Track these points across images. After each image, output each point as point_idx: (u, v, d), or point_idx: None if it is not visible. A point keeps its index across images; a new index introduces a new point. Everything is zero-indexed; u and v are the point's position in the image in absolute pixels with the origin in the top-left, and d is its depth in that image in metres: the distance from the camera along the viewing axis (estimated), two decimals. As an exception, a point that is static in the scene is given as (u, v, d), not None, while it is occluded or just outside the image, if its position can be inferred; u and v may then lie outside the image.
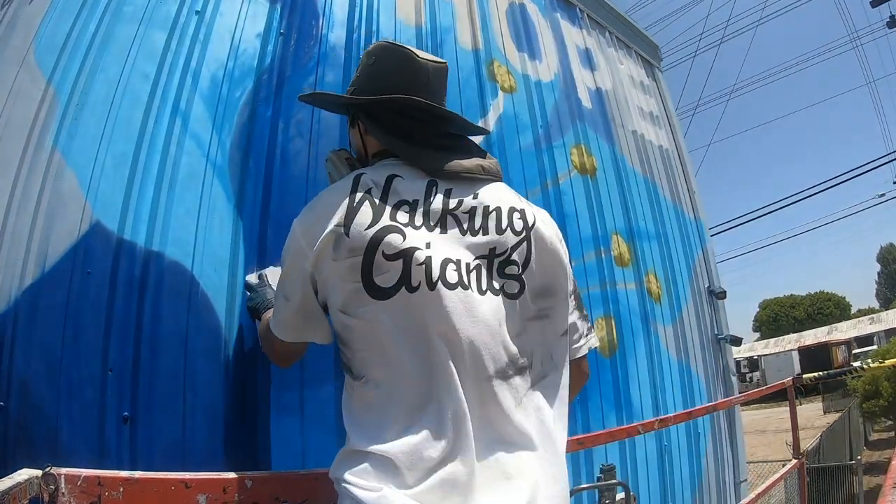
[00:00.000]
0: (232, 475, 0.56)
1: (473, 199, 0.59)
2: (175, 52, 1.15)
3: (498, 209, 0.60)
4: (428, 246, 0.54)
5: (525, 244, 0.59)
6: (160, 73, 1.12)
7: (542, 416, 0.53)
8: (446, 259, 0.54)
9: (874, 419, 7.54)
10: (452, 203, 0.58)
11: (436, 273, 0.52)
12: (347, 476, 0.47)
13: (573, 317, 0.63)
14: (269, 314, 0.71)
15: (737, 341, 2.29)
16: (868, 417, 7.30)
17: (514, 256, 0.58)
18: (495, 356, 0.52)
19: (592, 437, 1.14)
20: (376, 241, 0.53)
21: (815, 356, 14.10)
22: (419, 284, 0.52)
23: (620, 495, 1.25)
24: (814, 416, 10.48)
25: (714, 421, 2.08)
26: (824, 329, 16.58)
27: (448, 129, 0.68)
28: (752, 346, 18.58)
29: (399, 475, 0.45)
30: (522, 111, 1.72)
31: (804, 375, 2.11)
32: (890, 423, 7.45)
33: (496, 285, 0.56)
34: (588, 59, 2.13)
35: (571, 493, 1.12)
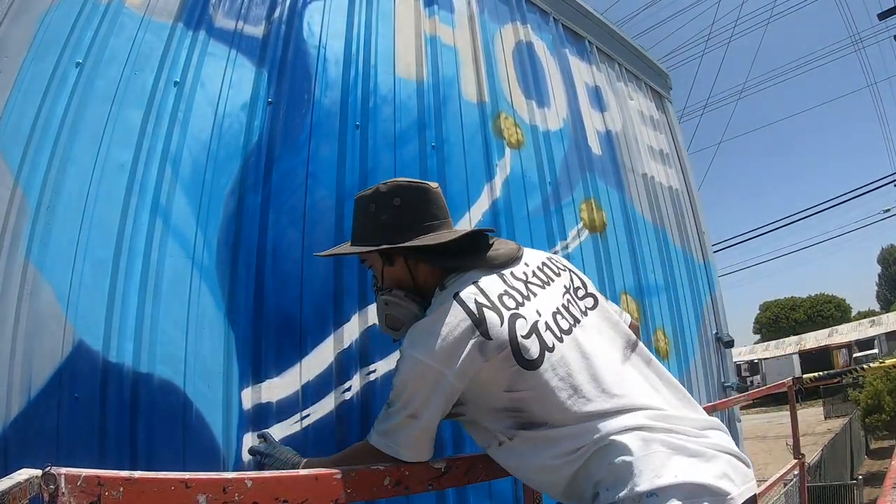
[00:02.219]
0: (232, 475, 0.58)
1: (527, 266, 0.82)
2: (152, 134, 1.12)
3: (542, 264, 0.85)
4: (539, 313, 0.75)
5: (569, 273, 0.85)
6: (137, 162, 1.08)
7: (652, 367, 0.77)
8: (553, 313, 0.76)
9: (876, 433, 7.91)
10: (521, 277, 0.80)
11: (556, 329, 0.74)
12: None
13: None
14: (314, 463, 0.83)
15: (729, 345, 2.38)
16: (870, 432, 7.66)
17: (577, 283, 0.84)
18: (619, 348, 0.77)
19: None
20: (513, 331, 0.72)
21: (816, 360, 14.68)
22: (553, 344, 0.73)
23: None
24: (814, 421, 10.95)
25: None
26: (825, 331, 17.21)
27: (467, 237, 0.85)
28: (753, 349, 19.21)
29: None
30: (530, 168, 1.72)
31: (804, 376, 2.19)
32: (890, 433, 7.85)
33: (581, 307, 0.80)
34: (598, 99, 2.13)
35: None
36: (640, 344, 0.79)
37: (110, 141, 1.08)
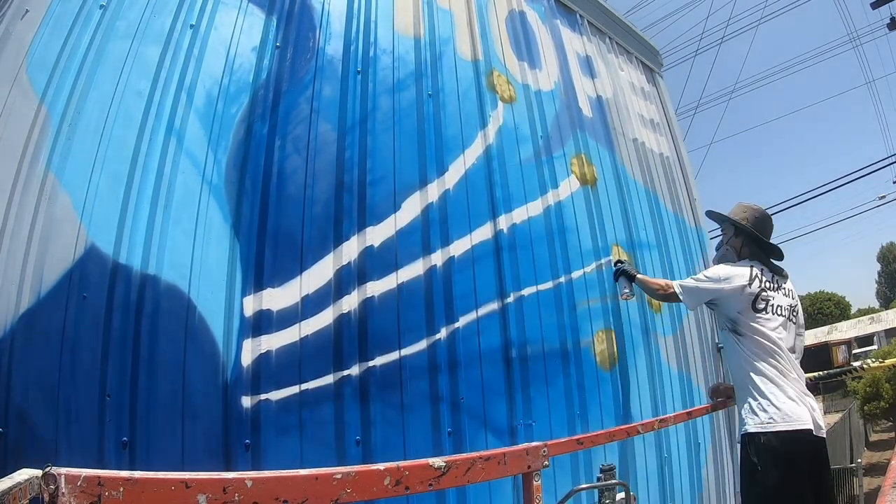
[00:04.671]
0: (232, 475, 0.57)
1: (784, 282, 1.48)
2: (169, 68, 1.16)
3: (792, 290, 1.49)
4: (774, 299, 1.42)
5: (797, 301, 1.51)
6: (154, 91, 1.12)
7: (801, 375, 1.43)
8: (779, 306, 1.42)
9: (875, 421, 7.64)
10: (779, 282, 1.47)
11: (777, 310, 1.42)
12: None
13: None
14: (643, 277, 1.71)
15: None
16: (869, 419, 7.40)
17: (796, 310, 1.48)
18: (792, 347, 1.43)
19: (592, 437, 1.15)
20: (758, 292, 1.41)
21: (815, 356, 14.25)
22: (770, 311, 1.41)
23: (620, 495, 1.27)
24: (814, 416, 10.53)
25: (714, 429, 2.11)
26: (824, 329, 16.74)
27: (769, 251, 1.52)
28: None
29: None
30: (522, 122, 1.73)
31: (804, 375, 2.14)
32: (890, 423, 7.55)
33: (792, 320, 1.45)
34: (588, 67, 2.14)
35: (570, 493, 1.13)
36: (795, 356, 1.43)
37: (130, 72, 1.12)
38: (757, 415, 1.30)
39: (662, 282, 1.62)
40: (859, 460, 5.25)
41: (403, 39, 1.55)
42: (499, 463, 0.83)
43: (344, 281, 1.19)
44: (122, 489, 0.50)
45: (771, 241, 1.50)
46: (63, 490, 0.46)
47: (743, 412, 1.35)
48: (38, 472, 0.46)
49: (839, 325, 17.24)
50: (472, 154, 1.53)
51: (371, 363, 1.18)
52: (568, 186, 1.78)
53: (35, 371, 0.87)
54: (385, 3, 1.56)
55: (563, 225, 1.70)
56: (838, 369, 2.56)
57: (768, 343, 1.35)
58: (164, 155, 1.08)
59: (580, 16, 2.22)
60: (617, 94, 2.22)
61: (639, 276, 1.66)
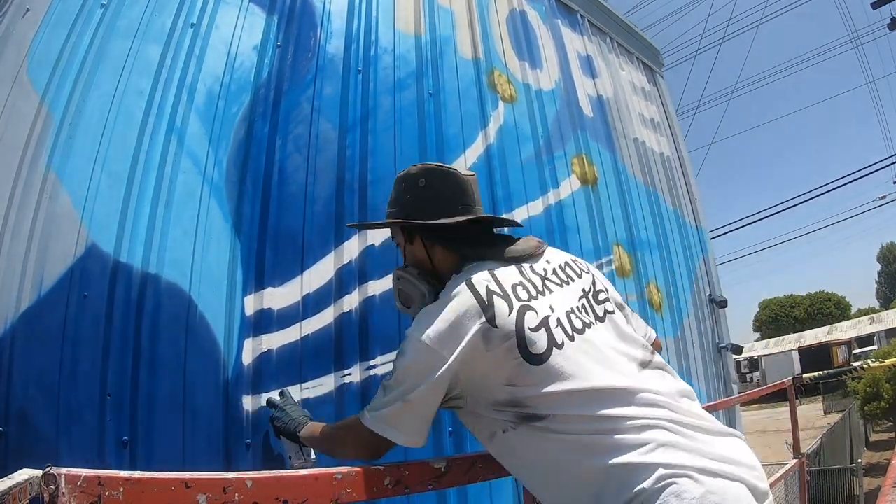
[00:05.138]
0: (232, 475, 0.57)
1: (548, 264, 0.77)
2: (170, 66, 1.15)
3: (565, 263, 0.78)
4: (552, 308, 0.69)
5: (591, 276, 0.79)
6: (155, 89, 1.12)
7: (668, 378, 0.71)
8: (567, 312, 0.70)
9: (875, 421, 7.62)
10: (540, 273, 0.74)
11: (568, 327, 0.68)
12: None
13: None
14: (313, 427, 0.86)
15: (737, 350, 2.31)
16: (869, 420, 7.38)
17: (598, 287, 0.78)
18: (634, 356, 0.70)
19: None
20: (521, 322, 0.66)
21: (815, 356, 14.21)
22: (563, 341, 0.67)
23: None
24: (814, 416, 10.57)
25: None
26: (824, 329, 16.69)
27: (492, 227, 0.84)
28: (752, 347, 18.68)
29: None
30: (523, 121, 1.73)
31: (804, 375, 2.13)
32: (890, 424, 7.54)
33: (599, 311, 0.74)
34: (589, 66, 2.13)
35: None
36: (657, 356, 0.73)
37: (131, 71, 1.11)
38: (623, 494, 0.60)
39: (342, 428, 0.81)
40: (859, 460, 5.24)
41: (404, 38, 1.55)
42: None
43: (345, 280, 1.18)
44: (122, 489, 0.49)
45: (479, 212, 0.80)
46: (63, 490, 0.46)
47: None
48: (38, 472, 0.45)
49: (839, 325, 17.21)
50: (473, 153, 1.53)
51: (372, 362, 1.17)
52: (569, 186, 1.78)
53: (35, 370, 0.87)
54: (386, 2, 1.56)
55: (564, 224, 1.70)
56: (838, 369, 2.55)
57: (601, 411, 0.63)
58: (164, 154, 1.07)
59: (581, 15, 2.21)
60: (618, 94, 2.22)
61: (302, 432, 0.87)
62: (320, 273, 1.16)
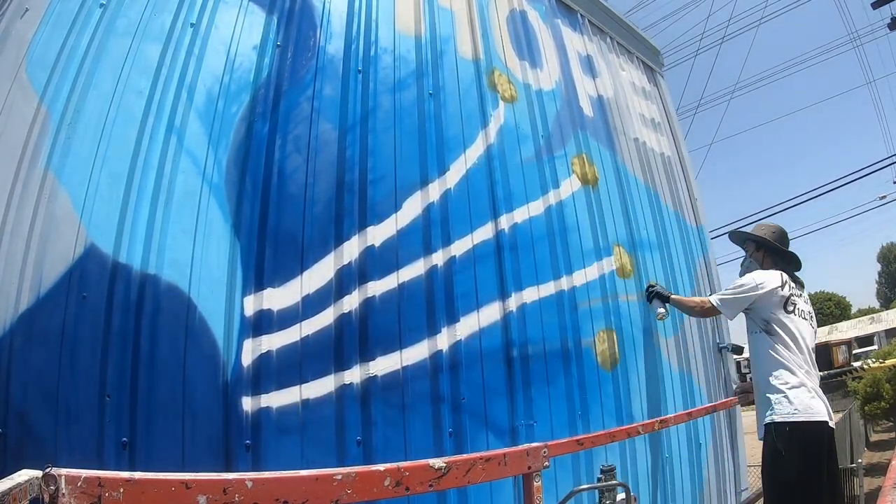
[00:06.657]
0: (232, 476, 0.57)
1: (802, 290, 1.69)
2: (170, 66, 1.15)
3: (807, 297, 1.70)
4: (798, 304, 1.63)
5: (813, 312, 1.71)
6: (154, 89, 1.11)
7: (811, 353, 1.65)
8: (801, 309, 1.63)
9: (875, 421, 7.61)
10: (800, 290, 1.67)
11: (801, 313, 1.62)
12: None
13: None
14: (678, 296, 1.88)
15: (738, 350, 2.31)
16: (869, 420, 7.37)
17: (812, 315, 1.69)
18: (812, 348, 1.61)
19: (592, 437, 1.15)
20: (788, 297, 1.61)
21: (815, 356, 14.13)
22: (796, 313, 1.61)
23: (621, 496, 1.26)
24: (814, 416, 10.46)
25: (715, 428, 2.10)
26: (824, 329, 16.68)
27: (789, 261, 1.73)
28: (753, 346, 18.52)
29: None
30: (523, 121, 1.72)
31: None
32: (890, 424, 7.53)
33: (812, 323, 1.65)
34: (589, 66, 2.13)
35: (570, 494, 1.13)
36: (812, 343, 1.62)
37: (130, 70, 1.11)
38: (783, 406, 1.46)
39: (697, 299, 1.80)
40: (860, 460, 5.23)
41: (404, 38, 1.54)
42: (499, 464, 0.82)
43: (345, 280, 1.18)
44: (122, 490, 0.49)
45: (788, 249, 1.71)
46: (63, 491, 0.46)
47: (770, 403, 1.49)
48: (39, 473, 0.46)
49: (839, 325, 17.20)
50: (474, 153, 1.53)
51: (372, 363, 1.17)
52: (569, 186, 1.77)
53: (35, 371, 0.87)
54: (386, 2, 1.55)
55: (565, 224, 1.69)
56: (838, 369, 2.54)
57: (794, 343, 1.52)
58: (164, 154, 1.07)
59: (581, 15, 2.21)
60: (618, 94, 2.21)
61: (673, 296, 1.82)
62: (320, 273, 1.15)
